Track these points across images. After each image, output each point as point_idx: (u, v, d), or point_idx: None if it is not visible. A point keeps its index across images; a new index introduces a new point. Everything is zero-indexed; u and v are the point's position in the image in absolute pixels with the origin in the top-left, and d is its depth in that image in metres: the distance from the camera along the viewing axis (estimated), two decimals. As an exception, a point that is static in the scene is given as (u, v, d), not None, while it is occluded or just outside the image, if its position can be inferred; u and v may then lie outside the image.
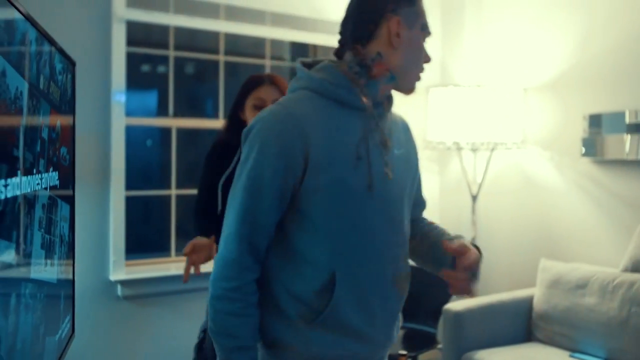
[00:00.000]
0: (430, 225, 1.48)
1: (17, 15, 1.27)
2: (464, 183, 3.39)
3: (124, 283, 2.62)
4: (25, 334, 1.31)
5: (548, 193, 3.15)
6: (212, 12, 2.89)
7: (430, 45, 1.34)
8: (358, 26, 1.27)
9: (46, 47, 1.53)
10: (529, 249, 3.16)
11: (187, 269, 1.85)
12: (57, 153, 1.66)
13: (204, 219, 2.02)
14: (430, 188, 3.52)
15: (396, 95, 1.35)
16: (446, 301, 2.81)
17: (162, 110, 3.28)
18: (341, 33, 1.32)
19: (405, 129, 1.41)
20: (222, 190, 1.95)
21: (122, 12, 2.67)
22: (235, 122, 2.00)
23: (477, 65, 3.48)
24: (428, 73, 1.36)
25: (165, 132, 3.21)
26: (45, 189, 1.50)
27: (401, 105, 1.45)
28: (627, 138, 2.82)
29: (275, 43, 3.38)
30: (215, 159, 2.02)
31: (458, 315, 2.68)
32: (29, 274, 1.36)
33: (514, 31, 3.30)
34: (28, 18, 1.33)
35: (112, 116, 2.65)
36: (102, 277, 2.62)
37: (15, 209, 1.24)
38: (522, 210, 3.28)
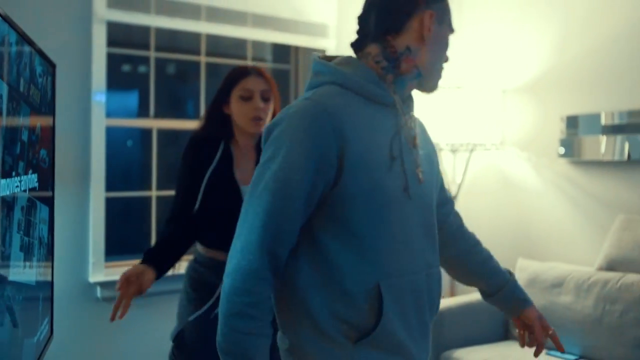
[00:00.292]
0: (477, 246, 1.46)
1: (-4, 17, 1.26)
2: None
3: (103, 285, 2.61)
4: (3, 336, 1.31)
5: (526, 193, 3.20)
6: (194, 13, 2.89)
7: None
8: (388, 17, 1.17)
9: (26, 50, 1.53)
10: (507, 248, 3.21)
11: (116, 306, 1.68)
12: (37, 155, 1.66)
13: (175, 225, 1.89)
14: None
15: None
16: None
17: (143, 111, 3.27)
18: (361, 25, 1.22)
19: (423, 128, 1.33)
20: (205, 188, 1.89)
21: (102, 13, 2.66)
22: (218, 117, 1.94)
23: (457, 66, 3.53)
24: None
25: (146, 133, 3.20)
26: (25, 191, 1.50)
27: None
28: (603, 139, 2.88)
29: (257, 44, 3.39)
30: (194, 155, 1.93)
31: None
32: (8, 276, 1.35)
33: (493, 33, 3.35)
34: (7, 20, 1.33)
35: (92, 117, 2.64)
36: (82, 279, 2.61)
37: (-6, 212, 1.24)
38: (500, 210, 3.33)
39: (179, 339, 1.90)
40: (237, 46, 3.38)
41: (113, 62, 2.89)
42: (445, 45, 1.23)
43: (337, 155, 1.08)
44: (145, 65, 3.23)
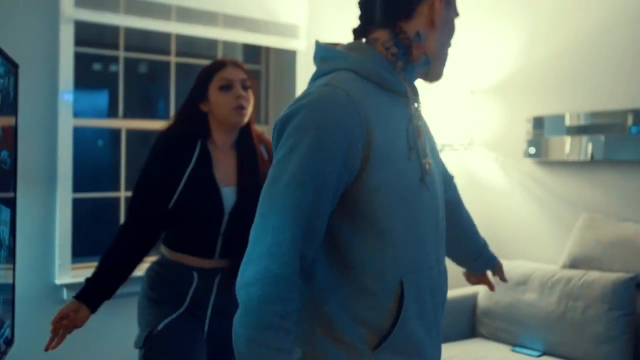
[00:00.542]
0: (463, 215, 1.61)
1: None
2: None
3: (70, 287, 2.59)
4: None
5: (493, 193, 3.25)
6: (164, 13, 2.88)
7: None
8: (399, 2, 1.11)
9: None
10: (476, 247, 3.25)
11: (51, 339, 1.70)
12: (-4, 156, 1.65)
13: (134, 232, 1.79)
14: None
15: None
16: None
17: (113, 111, 3.25)
18: (365, 10, 1.15)
19: (424, 119, 1.28)
20: (182, 189, 1.79)
21: (70, 12, 2.64)
22: (194, 115, 1.85)
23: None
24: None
25: (116, 133, 3.19)
26: (-17, 192, 1.49)
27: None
28: (568, 140, 2.94)
29: (228, 45, 3.39)
30: (168, 153, 1.81)
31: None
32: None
33: (461, 35, 3.38)
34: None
35: (59, 117, 2.62)
36: (48, 281, 2.59)
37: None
38: (468, 209, 3.36)
39: (148, 347, 1.78)
40: (208, 46, 3.37)
41: (84, 61, 2.87)
42: (452, 30, 1.17)
43: (362, 144, 1.00)
44: (116, 65, 3.21)
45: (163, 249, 1.91)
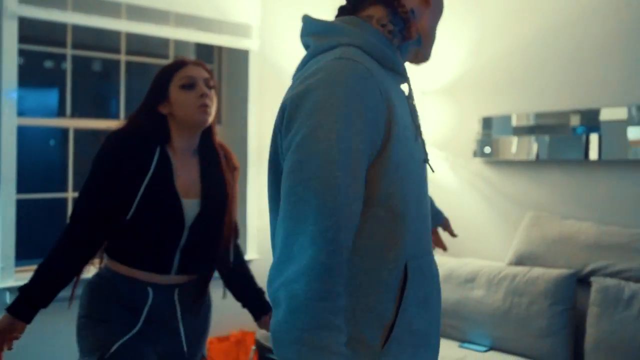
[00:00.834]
0: None
1: None
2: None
3: (13, 290, 2.53)
4: None
5: (443, 192, 3.31)
6: (113, 10, 2.84)
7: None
8: None
9: None
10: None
11: None
12: None
13: (75, 240, 1.66)
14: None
15: None
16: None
17: (63, 110, 3.19)
18: None
19: None
20: (140, 199, 1.64)
21: (14, 8, 2.58)
22: (153, 117, 1.71)
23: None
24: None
25: (66, 133, 3.13)
26: None
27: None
28: (514, 140, 3.01)
29: (180, 44, 3.36)
30: (122, 157, 1.65)
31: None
32: None
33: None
34: None
35: (2, 116, 2.56)
36: (-9, 284, 2.53)
37: None
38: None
39: None
40: (159, 45, 3.34)
41: (35, 59, 2.81)
42: (442, 9, 1.13)
43: (385, 121, 0.92)
44: (66, 63, 3.15)
45: (108, 261, 1.73)
